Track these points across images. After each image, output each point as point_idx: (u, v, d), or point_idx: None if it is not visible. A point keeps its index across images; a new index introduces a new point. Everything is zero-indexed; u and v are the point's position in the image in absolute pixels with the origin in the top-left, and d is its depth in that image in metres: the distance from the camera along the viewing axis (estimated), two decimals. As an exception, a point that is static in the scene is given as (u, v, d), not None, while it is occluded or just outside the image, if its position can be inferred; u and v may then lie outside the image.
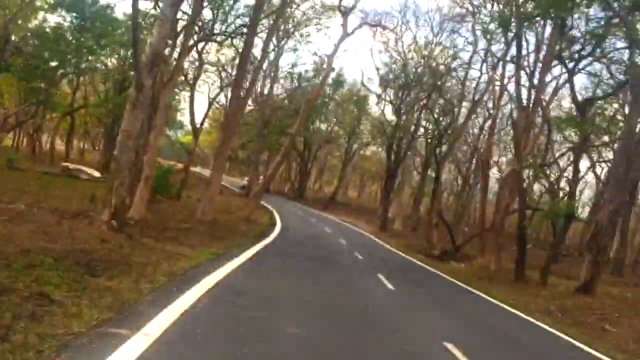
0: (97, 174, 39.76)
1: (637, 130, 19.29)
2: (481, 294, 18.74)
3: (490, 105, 40.49)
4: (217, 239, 18.28)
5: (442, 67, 41.73)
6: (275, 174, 30.32)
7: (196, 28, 29.43)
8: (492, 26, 26.83)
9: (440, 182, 39.61)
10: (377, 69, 55.58)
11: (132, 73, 60.26)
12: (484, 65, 37.46)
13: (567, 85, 28.10)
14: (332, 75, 70.12)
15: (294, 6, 38.20)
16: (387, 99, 54.69)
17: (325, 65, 30.69)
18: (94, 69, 60.11)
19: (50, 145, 58.51)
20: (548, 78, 27.40)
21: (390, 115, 54.13)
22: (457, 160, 56.97)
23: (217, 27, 37.53)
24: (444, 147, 40.94)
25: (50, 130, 62.46)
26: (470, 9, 34.93)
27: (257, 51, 37.43)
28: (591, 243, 19.11)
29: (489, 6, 30.42)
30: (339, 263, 20.08)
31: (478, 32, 36.30)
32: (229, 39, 35.28)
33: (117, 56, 57.36)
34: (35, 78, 50.62)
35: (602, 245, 18.70)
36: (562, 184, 42.65)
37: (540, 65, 25.39)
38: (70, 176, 35.82)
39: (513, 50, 25.64)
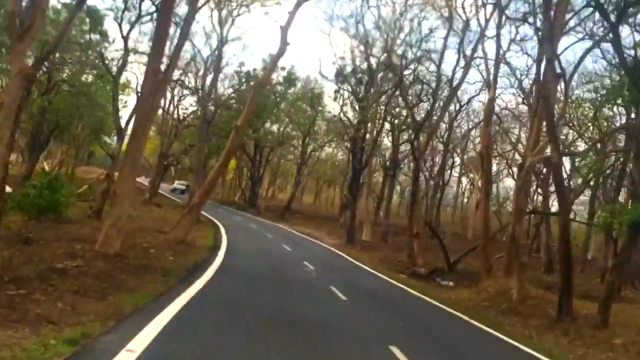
0: (9, 189, 33.60)
1: None
2: (530, 351, 11.73)
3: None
4: (111, 292, 10.56)
5: (412, 51, 34.77)
6: (216, 178, 22.75)
7: None
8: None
9: (419, 183, 32.53)
10: (335, 62, 48.15)
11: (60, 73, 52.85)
12: (464, 42, 30.59)
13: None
14: (283, 73, 63.28)
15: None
16: (346, 94, 47.65)
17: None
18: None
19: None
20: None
21: (349, 112, 46.97)
22: (432, 156, 50.33)
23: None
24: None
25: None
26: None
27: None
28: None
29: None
30: (316, 315, 12.48)
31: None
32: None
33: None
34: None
35: None
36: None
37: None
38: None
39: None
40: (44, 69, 49.52)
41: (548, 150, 17.11)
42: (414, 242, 29.94)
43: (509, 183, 62.07)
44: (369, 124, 38.64)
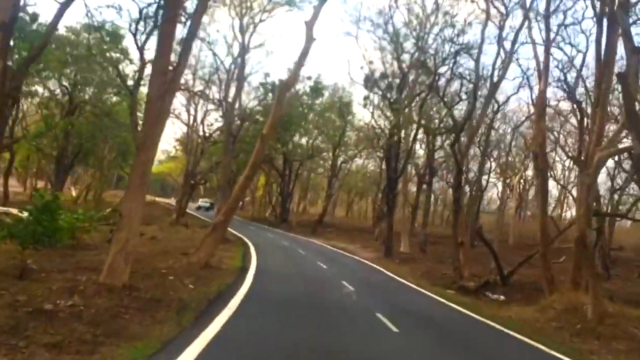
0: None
1: None
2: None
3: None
4: (104, 342, 8.18)
5: (446, 47, 32.03)
6: (242, 193, 20.45)
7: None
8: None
9: (462, 188, 29.74)
10: (363, 67, 45.56)
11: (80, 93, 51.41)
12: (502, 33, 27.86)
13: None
14: (310, 83, 61.13)
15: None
16: (376, 100, 45.13)
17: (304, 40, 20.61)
18: (33, 94, 50.30)
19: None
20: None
21: (381, 120, 44.37)
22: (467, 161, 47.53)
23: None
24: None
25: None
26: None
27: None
28: None
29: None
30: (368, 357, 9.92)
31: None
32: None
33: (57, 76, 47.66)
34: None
35: None
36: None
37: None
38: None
39: None
40: (66, 90, 48.50)
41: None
42: (459, 253, 27.15)
43: (550, 186, 58.65)
44: (403, 130, 35.99)
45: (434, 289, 23.50)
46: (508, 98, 42.59)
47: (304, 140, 68.01)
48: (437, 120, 38.53)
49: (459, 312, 17.55)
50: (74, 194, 65.80)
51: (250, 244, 34.73)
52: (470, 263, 28.51)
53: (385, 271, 28.54)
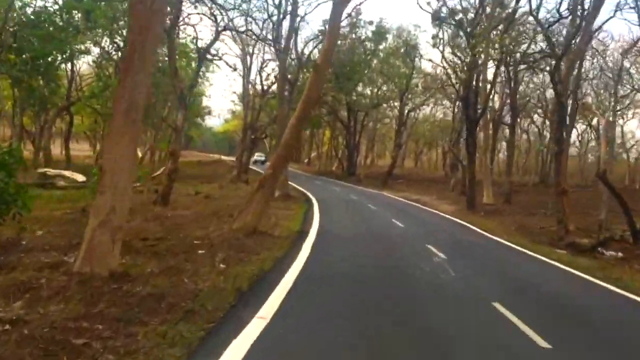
0: (81, 177, 29.74)
1: None
2: None
3: None
4: None
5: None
6: (293, 139, 16.11)
7: None
8: None
9: (565, 125, 24.08)
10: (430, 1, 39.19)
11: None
12: None
13: None
14: (372, 27, 55.36)
15: None
16: (446, 37, 39.24)
17: None
18: (87, 52, 46.99)
19: (43, 150, 45.04)
20: None
21: (451, 57, 38.38)
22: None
23: None
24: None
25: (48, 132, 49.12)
26: None
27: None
28: None
29: None
30: None
31: None
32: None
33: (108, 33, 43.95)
34: (31, 74, 39.80)
35: None
36: None
37: None
38: (43, 185, 25.66)
39: None
40: (117, 47, 44.81)
41: None
42: (562, 202, 21.70)
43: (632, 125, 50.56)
44: (481, 64, 30.06)
45: (540, 248, 18.34)
46: (606, 21, 35.43)
47: (368, 91, 62.58)
48: (522, 50, 32.23)
49: (595, 285, 12.37)
50: (139, 154, 63.39)
51: (314, 200, 30.29)
52: (574, 216, 23.16)
53: (473, 227, 23.43)
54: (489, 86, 32.29)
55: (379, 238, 17.44)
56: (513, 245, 18.54)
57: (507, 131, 49.14)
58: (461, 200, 36.21)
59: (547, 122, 52.54)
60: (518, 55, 23.61)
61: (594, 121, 55.56)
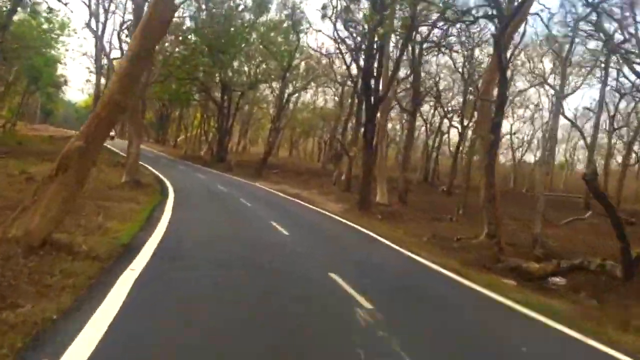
0: None
1: None
2: None
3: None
4: None
5: None
6: (118, 93, 8.06)
7: None
8: None
9: (504, 110, 18.94)
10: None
11: None
12: None
13: None
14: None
15: None
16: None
17: None
18: None
19: None
20: None
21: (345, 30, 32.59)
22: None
23: None
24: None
25: None
26: None
27: None
28: None
29: None
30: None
31: None
32: None
33: None
34: None
35: None
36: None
37: None
38: None
39: None
40: None
41: None
42: (495, 210, 16.53)
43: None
44: (384, 34, 24.28)
45: (478, 275, 12.84)
46: None
47: (245, 68, 55.73)
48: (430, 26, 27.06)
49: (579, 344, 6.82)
50: None
51: (171, 190, 23.26)
52: (500, 227, 18.12)
53: (376, 236, 17.57)
54: (391, 65, 26.74)
55: (255, 259, 10.90)
56: (441, 270, 12.84)
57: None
58: (347, 197, 30.73)
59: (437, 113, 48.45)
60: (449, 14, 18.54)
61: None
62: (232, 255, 10.85)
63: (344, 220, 21.33)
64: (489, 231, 16.19)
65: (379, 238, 17.29)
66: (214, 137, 61.99)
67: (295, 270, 10.31)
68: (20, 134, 57.91)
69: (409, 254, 14.79)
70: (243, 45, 50.73)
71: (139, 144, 22.95)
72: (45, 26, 49.32)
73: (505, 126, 52.79)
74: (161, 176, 30.37)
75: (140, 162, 41.18)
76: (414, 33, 26.74)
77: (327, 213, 23.62)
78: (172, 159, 54.78)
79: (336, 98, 59.06)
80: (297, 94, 55.22)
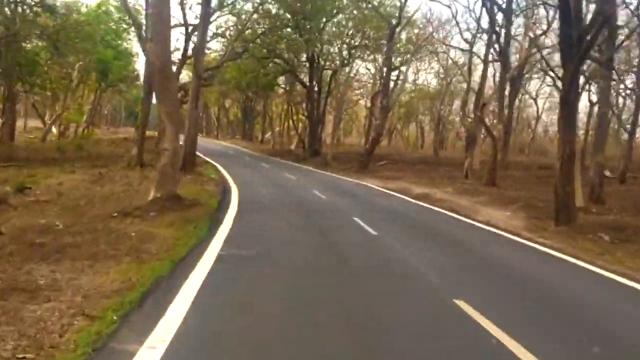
0: None
1: None
2: None
3: None
4: None
5: None
6: None
7: None
8: None
9: None
10: None
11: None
12: None
13: None
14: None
15: None
16: None
17: None
18: None
19: None
20: None
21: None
22: None
23: None
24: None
25: None
26: None
27: None
28: None
29: None
30: None
31: None
32: None
33: None
34: None
35: None
36: None
37: None
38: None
39: None
40: None
41: None
42: None
43: None
44: None
45: None
46: None
47: (337, 42, 44.91)
48: None
49: None
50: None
51: (233, 209, 13.63)
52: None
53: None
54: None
55: None
56: None
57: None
58: (505, 197, 20.23)
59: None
60: None
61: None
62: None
63: (555, 254, 10.73)
64: None
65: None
66: (304, 128, 52.51)
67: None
68: (96, 137, 51.56)
69: None
70: (335, 11, 40.73)
71: (177, 135, 13.23)
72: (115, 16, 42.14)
73: None
74: (230, 181, 21.12)
75: (212, 161, 32.44)
76: None
77: (506, 235, 13.03)
78: (256, 155, 46.06)
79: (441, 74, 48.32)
80: (405, 66, 43.87)
